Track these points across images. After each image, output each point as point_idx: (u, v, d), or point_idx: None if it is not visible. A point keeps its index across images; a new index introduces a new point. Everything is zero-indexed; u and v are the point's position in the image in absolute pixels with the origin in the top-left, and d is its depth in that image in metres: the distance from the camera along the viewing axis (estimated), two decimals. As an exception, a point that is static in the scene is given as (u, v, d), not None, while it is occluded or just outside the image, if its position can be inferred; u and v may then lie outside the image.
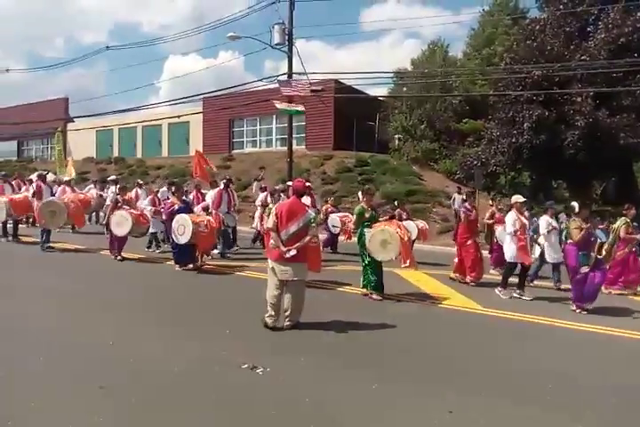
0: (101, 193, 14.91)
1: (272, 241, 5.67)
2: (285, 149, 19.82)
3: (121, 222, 9.97)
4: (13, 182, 13.33)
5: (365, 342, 5.36)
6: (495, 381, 4.39)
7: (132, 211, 10.25)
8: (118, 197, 10.44)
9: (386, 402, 3.84)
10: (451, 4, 68.23)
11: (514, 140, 18.67)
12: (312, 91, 17.71)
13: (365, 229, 7.48)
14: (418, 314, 6.78)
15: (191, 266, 9.24)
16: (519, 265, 8.03)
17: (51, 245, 11.05)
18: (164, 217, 10.15)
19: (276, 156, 23.56)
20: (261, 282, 6.09)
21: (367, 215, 7.62)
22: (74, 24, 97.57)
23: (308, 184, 12.52)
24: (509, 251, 7.99)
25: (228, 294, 7.68)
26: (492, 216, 10.00)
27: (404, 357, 4.94)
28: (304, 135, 26.05)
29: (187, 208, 9.63)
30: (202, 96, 24.92)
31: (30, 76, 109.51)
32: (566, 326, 6.35)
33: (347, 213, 12.65)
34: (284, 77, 17.94)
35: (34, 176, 13.15)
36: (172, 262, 9.39)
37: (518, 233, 7.81)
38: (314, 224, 5.95)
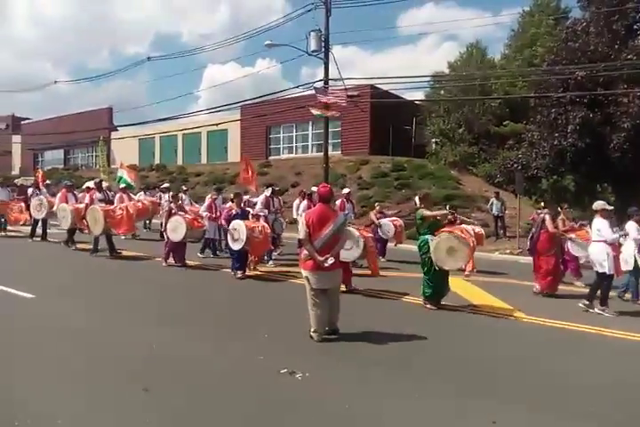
0: (159, 201, 14.48)
1: (305, 252, 5.48)
2: (321, 154, 19.93)
3: (176, 228, 10.11)
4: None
5: (409, 350, 5.31)
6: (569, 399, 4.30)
7: (185, 216, 10.35)
8: (172, 204, 10.61)
9: (431, 413, 3.81)
10: (489, 5, 67.25)
11: (556, 142, 18.20)
12: (348, 96, 17.73)
13: (428, 237, 7.14)
14: (464, 323, 6.69)
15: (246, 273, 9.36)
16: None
17: (100, 250, 11.30)
18: (223, 222, 9.97)
19: (312, 161, 23.72)
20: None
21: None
22: (117, 36, 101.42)
23: (348, 190, 12.60)
24: (608, 262, 7.21)
25: (272, 298, 7.80)
26: (562, 225, 9.16)
27: (451, 367, 4.88)
28: (340, 141, 26.17)
29: (244, 214, 9.63)
30: (240, 104, 25.49)
31: (76, 88, 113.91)
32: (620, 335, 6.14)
33: (396, 218, 12.53)
34: (320, 84, 18.05)
35: (90, 184, 13.19)
36: (230, 270, 9.40)
37: (616, 242, 7.33)
38: (346, 226, 5.90)
